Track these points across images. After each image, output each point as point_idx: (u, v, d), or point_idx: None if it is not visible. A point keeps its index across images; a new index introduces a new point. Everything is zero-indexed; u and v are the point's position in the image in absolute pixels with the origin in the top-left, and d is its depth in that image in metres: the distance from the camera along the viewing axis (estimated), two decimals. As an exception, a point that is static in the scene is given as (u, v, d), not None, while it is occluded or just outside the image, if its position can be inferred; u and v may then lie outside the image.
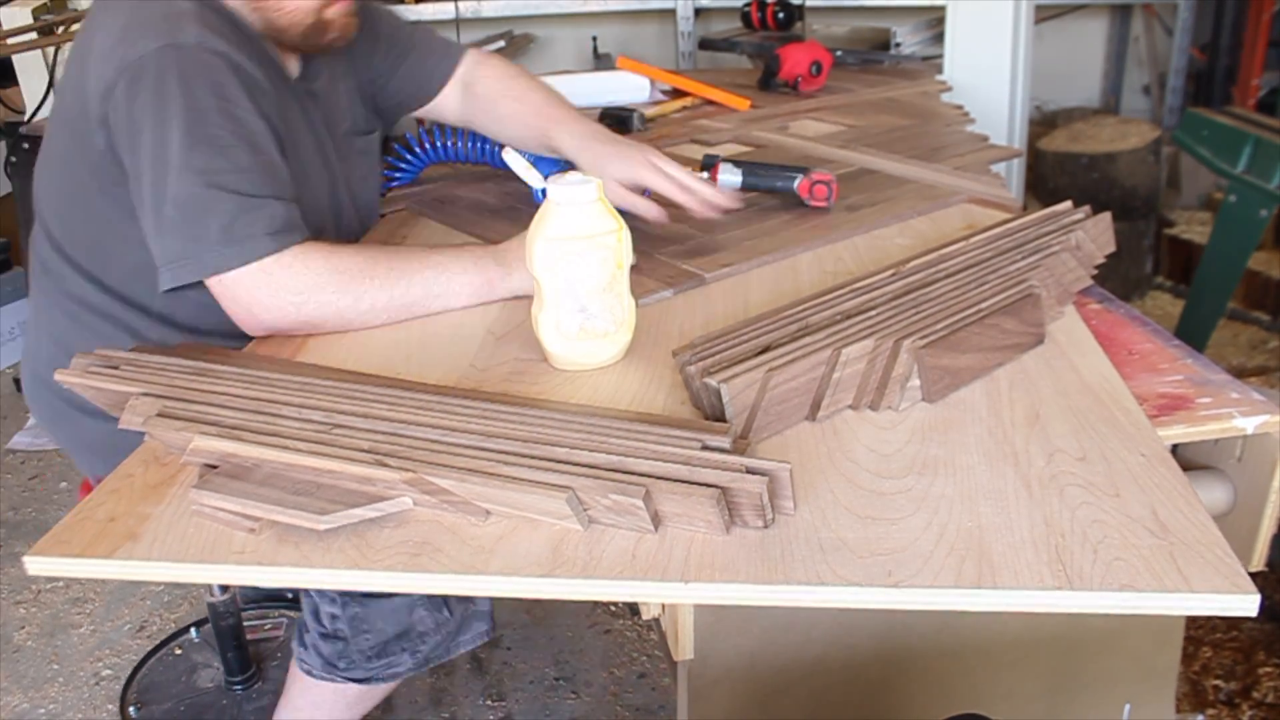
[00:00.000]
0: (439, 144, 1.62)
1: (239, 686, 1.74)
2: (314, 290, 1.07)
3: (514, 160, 1.25)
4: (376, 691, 1.31)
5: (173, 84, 1.04)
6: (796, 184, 1.41)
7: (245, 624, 1.80)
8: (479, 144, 1.60)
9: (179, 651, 1.87)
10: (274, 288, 1.06)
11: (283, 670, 1.75)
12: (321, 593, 1.22)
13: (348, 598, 1.21)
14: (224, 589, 1.65)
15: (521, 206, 1.48)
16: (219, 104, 1.06)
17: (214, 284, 1.07)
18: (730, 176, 1.44)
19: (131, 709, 1.74)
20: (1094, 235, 1.14)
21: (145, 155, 1.05)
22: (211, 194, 1.04)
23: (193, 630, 1.91)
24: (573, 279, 0.97)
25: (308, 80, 1.26)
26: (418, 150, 1.62)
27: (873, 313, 0.97)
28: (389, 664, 1.25)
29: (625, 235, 0.98)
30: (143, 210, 1.08)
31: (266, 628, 1.90)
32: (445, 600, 1.26)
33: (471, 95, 1.46)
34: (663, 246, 1.30)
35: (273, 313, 1.07)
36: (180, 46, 1.05)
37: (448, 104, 1.47)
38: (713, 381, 0.86)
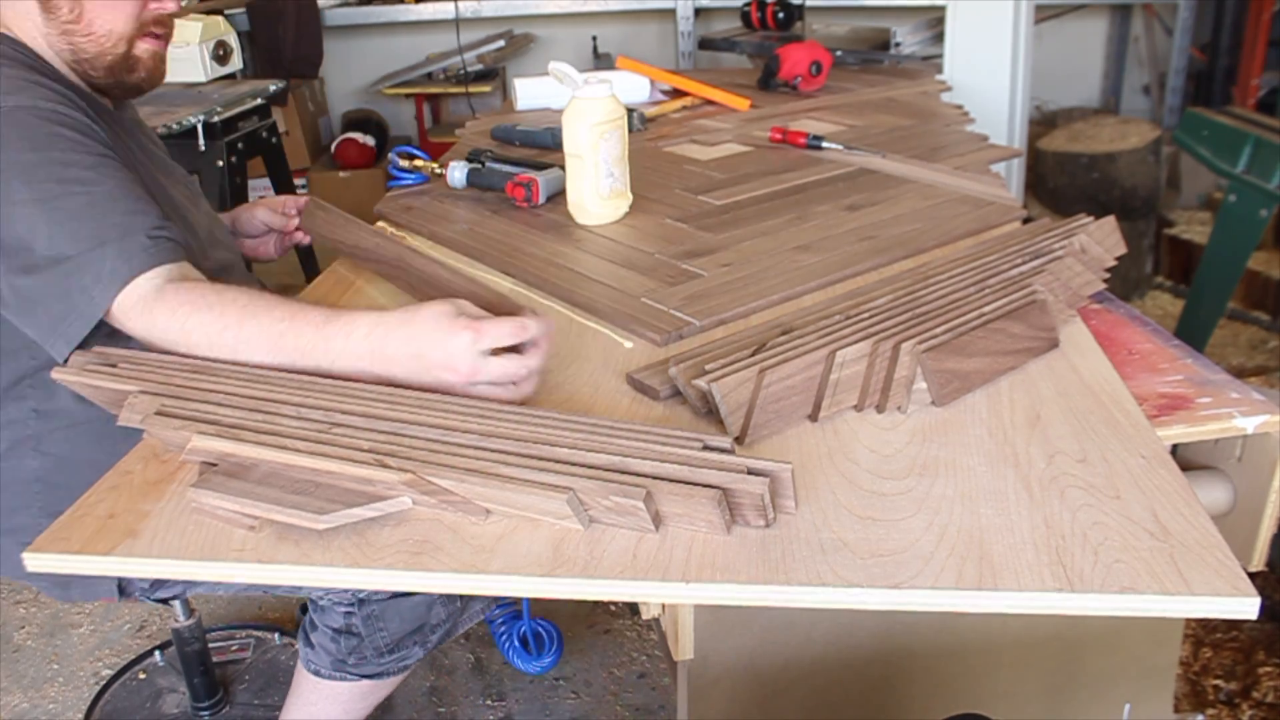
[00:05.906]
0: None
1: (206, 712, 1.69)
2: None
3: (558, 69, 1.37)
4: (388, 684, 1.31)
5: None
6: (505, 184, 1.44)
7: (211, 645, 1.75)
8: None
9: (143, 676, 1.81)
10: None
11: (250, 692, 1.74)
12: (330, 590, 1.21)
13: (364, 596, 1.20)
14: (189, 613, 1.60)
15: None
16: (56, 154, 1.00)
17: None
18: (457, 174, 1.49)
19: None
20: (1100, 239, 1.13)
21: None
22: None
23: (157, 654, 1.85)
24: (606, 153, 1.32)
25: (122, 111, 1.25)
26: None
27: (867, 316, 0.97)
28: (400, 658, 1.25)
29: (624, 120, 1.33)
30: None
31: (234, 649, 1.85)
32: None
33: None
34: (664, 247, 1.30)
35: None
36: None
37: None
38: (702, 383, 0.86)
